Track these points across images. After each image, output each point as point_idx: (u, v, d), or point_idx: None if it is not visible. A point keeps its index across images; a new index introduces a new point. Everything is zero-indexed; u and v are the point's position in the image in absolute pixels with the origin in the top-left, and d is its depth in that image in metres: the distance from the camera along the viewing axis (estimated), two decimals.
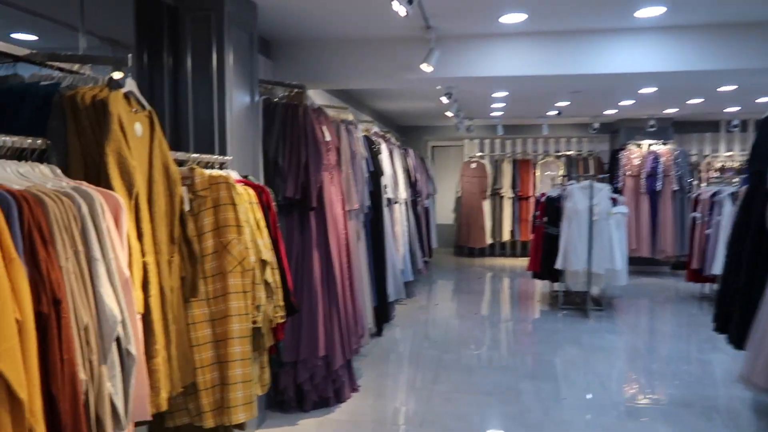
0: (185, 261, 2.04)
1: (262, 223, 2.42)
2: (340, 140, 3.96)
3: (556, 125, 10.18)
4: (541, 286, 7.62)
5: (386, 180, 5.34)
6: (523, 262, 9.94)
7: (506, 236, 10.46)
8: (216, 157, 2.54)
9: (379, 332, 5.09)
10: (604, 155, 10.17)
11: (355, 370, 3.97)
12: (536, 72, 3.89)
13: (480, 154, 10.80)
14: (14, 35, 3.31)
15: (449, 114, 6.69)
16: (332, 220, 3.51)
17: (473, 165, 10.51)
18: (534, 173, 10.40)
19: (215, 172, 2.33)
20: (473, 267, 9.41)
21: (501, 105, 7.84)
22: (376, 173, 4.99)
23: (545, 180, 10.34)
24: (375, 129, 5.99)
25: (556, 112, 8.25)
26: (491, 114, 8.77)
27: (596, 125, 8.81)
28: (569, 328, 5.45)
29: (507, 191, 10.43)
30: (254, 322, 2.16)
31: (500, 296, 7.22)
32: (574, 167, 10.23)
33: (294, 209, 3.44)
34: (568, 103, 7.53)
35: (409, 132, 10.60)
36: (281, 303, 2.47)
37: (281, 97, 3.59)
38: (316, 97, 5.23)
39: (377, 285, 4.91)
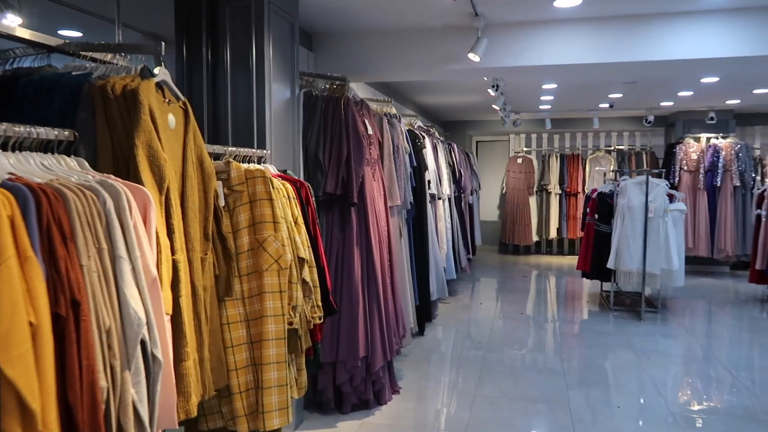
0: (219, 259, 1.96)
1: (300, 220, 2.32)
2: (383, 134, 3.84)
3: (607, 118, 9.78)
4: (589, 285, 7.32)
5: (430, 175, 5.19)
6: (570, 260, 9.61)
7: (553, 233, 10.14)
8: (254, 150, 2.45)
9: (421, 331, 4.95)
10: (658, 150, 9.72)
11: (396, 371, 3.86)
12: (591, 60, 3.66)
13: (526, 149, 10.50)
14: (61, 32, 3.33)
15: (495, 107, 6.48)
16: (374, 217, 3.39)
17: (519, 160, 10.22)
18: (583, 169, 10.03)
19: (252, 166, 2.24)
20: (518, 265, 9.16)
21: (550, 98, 7.56)
22: (419, 168, 4.85)
23: (595, 176, 9.97)
24: (419, 123, 5.85)
25: (609, 104, 7.90)
26: (539, 107, 8.49)
27: (651, 118, 8.40)
28: (621, 331, 5.19)
29: (554, 187, 10.10)
30: (290, 323, 2.07)
31: (546, 296, 6.97)
32: (626, 162, 9.81)
33: (334, 205, 3.34)
34: (621, 95, 7.19)
35: (453, 127, 10.40)
36: (319, 303, 2.36)
37: (322, 89, 3.49)
38: (358, 90, 5.13)
39: (420, 283, 4.77)
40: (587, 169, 10.02)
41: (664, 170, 7.77)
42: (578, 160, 10.07)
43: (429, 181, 5.13)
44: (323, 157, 3.25)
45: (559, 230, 10.14)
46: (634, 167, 9.62)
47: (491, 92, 5.66)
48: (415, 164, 4.59)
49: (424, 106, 8.44)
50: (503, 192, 10.54)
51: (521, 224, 10.17)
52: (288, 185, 2.33)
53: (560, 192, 10.11)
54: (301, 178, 3.18)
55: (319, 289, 2.38)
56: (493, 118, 10.02)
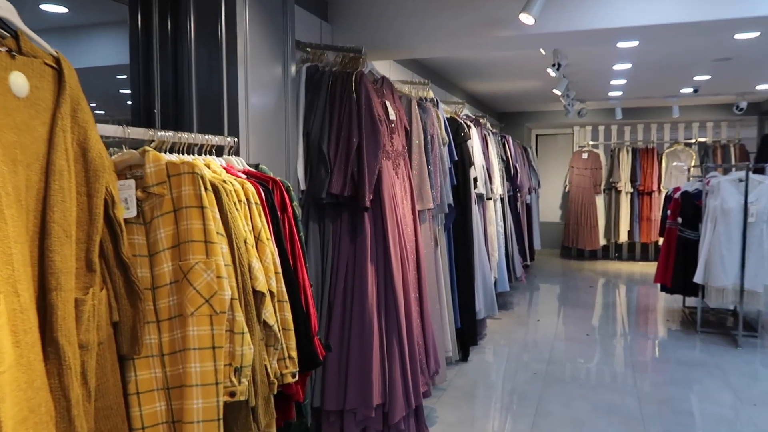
0: (120, 297, 1.29)
1: (266, 234, 1.62)
2: (412, 120, 3.09)
3: (688, 107, 8.61)
4: (667, 298, 6.29)
5: (476, 172, 4.40)
6: (643, 267, 8.52)
7: (623, 237, 9.06)
8: (208, 138, 1.77)
9: (464, 357, 4.18)
10: (749, 143, 8.46)
11: (427, 412, 3.12)
12: (679, 18, 2.78)
13: (593, 142, 9.45)
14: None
15: (557, 92, 5.58)
16: (394, 224, 2.66)
17: (585, 155, 9.19)
18: (659, 164, 8.89)
19: (182, 157, 1.57)
20: (583, 272, 8.16)
21: (621, 82, 6.56)
22: (462, 164, 4.07)
23: (672, 172, 8.82)
24: (465, 111, 5.06)
25: (693, 89, 6.80)
26: (608, 94, 7.47)
27: (743, 105, 7.21)
28: (712, 361, 4.22)
29: (625, 185, 9.01)
30: (231, 394, 1.37)
31: (617, 311, 6.00)
32: (710, 157, 8.61)
33: (344, 209, 2.63)
34: (709, 76, 6.11)
35: (509, 119, 9.48)
36: (292, 353, 1.66)
37: (332, 64, 2.79)
38: (393, 73, 4.39)
39: (463, 301, 4.00)
40: (663, 165, 8.88)
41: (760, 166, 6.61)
42: (653, 154, 8.93)
43: (475, 179, 4.34)
44: (328, 148, 2.54)
45: (630, 233, 9.05)
46: (721, 162, 8.40)
47: (551, 72, 4.79)
48: (456, 158, 3.81)
49: (476, 95, 7.60)
50: (566, 190, 9.53)
51: (586, 226, 9.15)
52: (249, 186, 1.64)
53: (632, 191, 9.01)
54: (300, 175, 2.49)
55: (292, 333, 1.67)
56: (555, 108, 9.04)
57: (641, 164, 8.99)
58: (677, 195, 5.29)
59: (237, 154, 2.04)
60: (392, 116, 2.79)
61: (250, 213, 1.62)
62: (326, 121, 2.58)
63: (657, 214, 8.81)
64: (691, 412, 3.36)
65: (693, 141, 8.84)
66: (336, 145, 2.55)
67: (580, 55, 5.00)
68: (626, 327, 5.29)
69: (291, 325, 1.67)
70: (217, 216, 1.41)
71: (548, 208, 9.91)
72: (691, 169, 7.52)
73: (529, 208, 7.70)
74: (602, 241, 9.18)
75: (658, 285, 5.85)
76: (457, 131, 4.09)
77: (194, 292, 1.34)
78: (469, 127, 4.44)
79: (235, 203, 1.56)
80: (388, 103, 2.80)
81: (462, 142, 4.09)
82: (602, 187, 9.16)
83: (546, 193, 9.79)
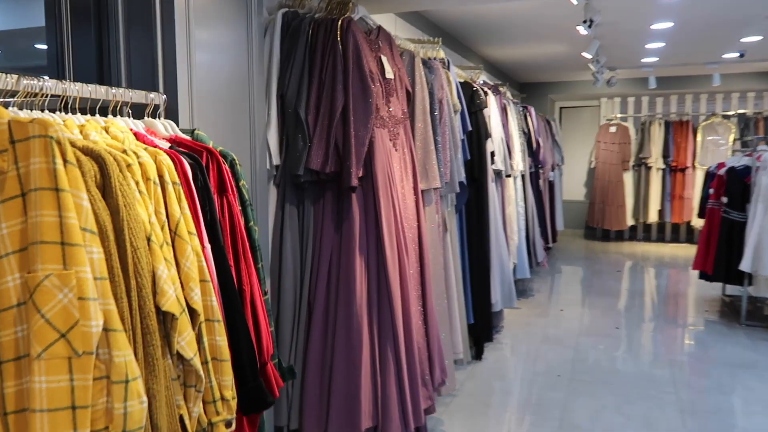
0: None
1: (187, 226, 1.14)
2: (416, 81, 2.56)
3: (730, 75, 7.87)
4: (704, 286, 5.71)
5: (494, 145, 3.86)
6: (674, 249, 7.93)
7: (653, 217, 8.44)
8: (118, 91, 1.28)
9: (477, 355, 3.70)
10: None
11: (432, 426, 2.66)
12: None
13: (622, 115, 8.78)
14: None
15: (587, 55, 4.98)
16: (390, 206, 2.16)
17: (613, 129, 8.54)
18: (694, 138, 8.21)
19: (42, 117, 1.08)
20: (609, 255, 7.59)
21: (659, 46, 5.89)
22: (477, 135, 3.54)
23: (709, 147, 8.14)
24: (482, 78, 4.49)
25: (739, 53, 6.11)
26: (642, 60, 6.79)
27: None
28: (764, 360, 3.69)
29: (656, 161, 8.36)
30: None
31: (648, 299, 5.46)
32: (751, 130, 7.90)
33: (327, 189, 2.14)
34: (760, 37, 5.43)
35: (531, 90, 8.83)
36: (228, 392, 1.18)
37: (315, 9, 2.27)
38: (401, 31, 3.84)
39: (477, 293, 3.51)
40: (699, 139, 8.20)
41: None
42: (687, 128, 8.25)
43: (492, 153, 3.81)
44: (306, 112, 2.04)
45: (661, 213, 8.42)
46: (763, 134, 7.70)
47: (582, 30, 4.19)
48: (470, 129, 3.28)
49: (494, 62, 6.98)
50: (591, 167, 8.91)
51: (613, 205, 8.54)
52: (165, 158, 1.15)
53: (663, 167, 8.36)
54: (273, 146, 2.00)
55: (228, 364, 1.19)
56: (581, 78, 8.37)
57: (674, 138, 8.32)
58: (722, 171, 4.69)
59: (176, 118, 1.55)
60: (389, 74, 2.27)
61: (165, 197, 1.13)
62: (304, 79, 2.07)
63: (691, 192, 8.17)
64: (743, 426, 2.85)
65: (732, 113, 8.13)
66: (316, 110, 2.05)
67: (615, 10, 4.38)
68: (659, 318, 4.75)
69: (226, 354, 1.19)
70: (85, 203, 0.92)
71: (572, 185, 9.30)
72: (732, 143, 6.86)
73: (551, 185, 7.13)
74: (630, 222, 8.58)
75: (691, 268, 5.27)
76: (472, 98, 3.55)
77: (42, 322, 0.86)
78: (486, 94, 3.89)
79: (138, 183, 1.08)
80: (384, 59, 2.28)
81: (477, 111, 3.55)
82: (631, 164, 8.52)
83: (570, 170, 9.17)
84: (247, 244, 1.35)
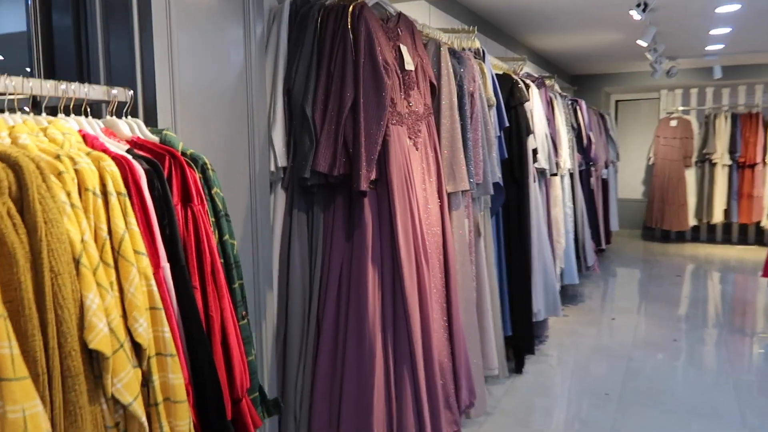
0: None
1: (131, 246, 0.96)
2: (441, 73, 2.33)
3: None
4: None
5: (536, 142, 3.57)
6: (741, 252, 7.33)
7: (718, 217, 7.84)
8: (71, 87, 1.12)
9: (518, 368, 3.43)
10: None
11: None
12: None
13: (683, 108, 8.19)
14: None
15: (642, 43, 4.58)
16: (407, 212, 1.94)
17: (673, 123, 7.98)
18: (765, 132, 7.57)
19: None
20: (668, 258, 7.09)
21: (725, 31, 5.39)
22: (518, 131, 3.27)
23: None
24: (525, 69, 4.19)
25: None
26: (705, 48, 6.27)
27: None
28: None
29: (722, 157, 7.75)
30: None
31: (711, 308, 5.01)
32: None
33: (337, 194, 1.94)
34: None
35: (583, 82, 8.37)
36: None
37: None
38: (433, 22, 3.61)
39: (517, 301, 3.24)
40: None
41: None
42: (757, 120, 7.61)
43: (535, 151, 3.52)
44: (312, 109, 1.85)
45: (726, 213, 7.81)
46: None
47: (635, 14, 3.83)
48: (507, 124, 3.01)
49: (542, 53, 6.61)
50: (650, 163, 8.37)
51: (673, 204, 7.98)
52: (110, 164, 0.98)
53: (730, 163, 7.74)
54: (278, 147, 1.83)
55: (185, 406, 1.01)
56: (639, 69, 7.86)
57: (742, 132, 7.69)
58: None
59: (154, 118, 1.39)
60: (409, 65, 2.05)
61: (107, 210, 0.96)
62: (312, 72, 1.88)
63: (761, 190, 7.54)
64: None
65: None
66: (324, 106, 1.86)
67: None
68: (724, 330, 4.32)
69: (182, 393, 1.01)
70: None
71: (628, 183, 8.78)
72: None
73: (605, 183, 6.70)
74: (692, 222, 8.00)
75: (760, 275, 4.77)
76: (511, 91, 3.28)
77: None
78: (528, 87, 3.60)
79: (70, 194, 0.91)
80: (404, 48, 2.06)
81: (517, 105, 3.28)
82: (693, 160, 7.94)
83: (626, 167, 8.65)
84: (219, 262, 1.16)
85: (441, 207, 2.21)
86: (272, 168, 1.89)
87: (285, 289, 1.96)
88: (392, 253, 1.91)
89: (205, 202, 1.17)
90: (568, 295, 5.12)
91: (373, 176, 1.86)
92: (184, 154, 1.19)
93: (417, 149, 2.09)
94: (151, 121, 1.37)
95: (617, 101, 9.16)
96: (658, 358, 3.70)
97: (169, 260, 1.07)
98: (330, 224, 1.92)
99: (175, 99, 1.43)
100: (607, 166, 6.70)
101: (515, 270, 3.26)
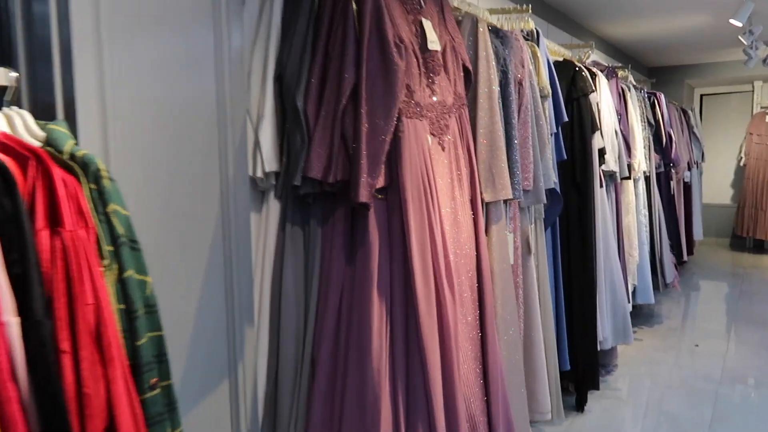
0: None
1: None
2: (479, 55, 1.91)
3: None
4: None
5: (603, 140, 3.05)
6: None
7: None
8: None
9: (579, 406, 2.92)
10: None
11: None
12: None
13: None
14: None
15: (736, 23, 3.91)
16: (425, 228, 1.53)
17: None
18: None
19: None
20: (762, 271, 6.24)
21: None
22: (581, 128, 2.78)
23: None
24: (591, 57, 3.67)
25: None
26: None
27: None
28: None
29: None
30: None
31: None
32: None
33: (338, 205, 1.56)
34: None
35: (663, 75, 7.57)
36: None
37: None
38: (485, 2, 3.16)
39: (578, 328, 2.75)
40: None
41: None
42: None
43: (602, 151, 3.01)
44: (305, 100, 1.48)
45: None
46: None
47: None
48: (566, 119, 2.53)
49: (617, 42, 5.96)
50: (741, 164, 7.47)
51: None
52: None
53: None
54: (266, 149, 1.49)
55: None
56: (729, 58, 7.00)
57: None
58: None
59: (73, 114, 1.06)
60: (434, 45, 1.64)
61: None
62: (306, 56, 1.52)
63: None
64: None
65: None
66: (318, 94, 1.49)
67: None
68: None
69: None
70: None
71: (715, 187, 7.88)
72: None
73: (687, 187, 5.98)
74: None
75: None
76: (573, 80, 2.80)
77: None
78: (594, 76, 3.08)
79: None
80: (427, 24, 1.65)
81: (580, 97, 2.79)
82: None
83: (713, 169, 7.76)
84: (110, 310, 0.81)
85: (475, 220, 1.79)
86: (259, 174, 1.54)
87: (276, 322, 1.60)
88: (405, 280, 1.51)
89: (92, 224, 0.82)
90: (643, 314, 4.51)
91: (379, 183, 1.47)
92: (72, 156, 0.85)
93: (443, 149, 1.68)
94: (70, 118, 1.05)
95: (702, 95, 8.27)
96: (752, 397, 3.08)
97: (19, 313, 0.73)
98: (329, 243, 1.55)
99: (105, 85, 1.09)
100: (690, 168, 5.97)
101: (576, 291, 2.77)
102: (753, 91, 7.55)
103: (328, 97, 1.46)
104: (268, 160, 1.54)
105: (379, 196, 1.51)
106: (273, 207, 1.64)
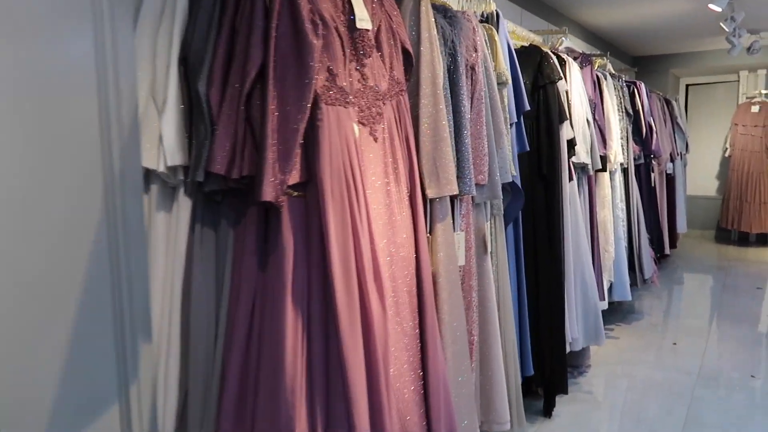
0: None
1: None
2: (421, 37, 1.73)
3: None
4: None
5: (574, 130, 2.89)
6: None
7: None
8: None
9: (546, 411, 2.77)
10: None
11: None
12: None
13: (767, 91, 7.12)
14: None
15: (714, 8, 3.76)
16: (348, 230, 1.36)
17: (755, 108, 6.95)
18: None
19: None
20: (747, 265, 6.12)
21: None
22: (547, 117, 2.61)
23: None
24: (565, 43, 3.49)
25: None
26: None
27: None
28: None
29: None
30: None
31: None
32: None
33: (250, 201, 1.39)
34: None
35: (646, 64, 7.42)
36: None
37: None
38: None
39: (544, 330, 2.60)
40: None
41: None
42: None
43: (571, 142, 2.84)
44: (208, 84, 1.31)
45: None
46: None
47: None
48: (528, 108, 2.36)
49: (597, 30, 5.79)
50: (726, 155, 7.35)
51: (754, 202, 6.97)
52: None
53: None
54: (168, 139, 1.33)
55: None
56: (713, 47, 6.86)
57: None
58: None
59: None
60: (363, 23, 1.46)
61: None
62: (212, 34, 1.34)
63: None
64: None
65: None
66: (223, 77, 1.31)
67: None
68: None
69: None
70: None
71: (699, 178, 7.76)
72: None
73: (670, 179, 5.84)
74: None
75: None
76: (539, 66, 2.62)
77: None
78: (563, 63, 2.91)
79: None
80: (356, 0, 1.47)
81: (547, 84, 2.61)
82: None
83: (697, 160, 7.64)
84: None
85: (415, 218, 1.61)
86: (161, 168, 1.36)
87: (187, 333, 1.43)
88: (324, 288, 1.34)
89: None
90: (621, 311, 4.38)
91: (294, 179, 1.30)
92: None
93: (376, 139, 1.50)
94: None
95: (688, 85, 8.13)
96: (734, 401, 2.94)
97: None
98: (240, 246, 1.37)
99: None
100: (673, 160, 5.83)
101: (543, 291, 2.61)
102: (738, 81, 7.42)
103: (233, 80, 1.28)
104: (171, 152, 1.36)
105: (295, 194, 1.34)
106: (184, 205, 1.46)
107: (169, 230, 1.47)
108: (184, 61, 1.38)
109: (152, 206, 1.48)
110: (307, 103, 1.27)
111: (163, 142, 1.36)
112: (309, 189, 1.36)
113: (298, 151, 1.29)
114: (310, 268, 1.35)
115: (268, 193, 1.22)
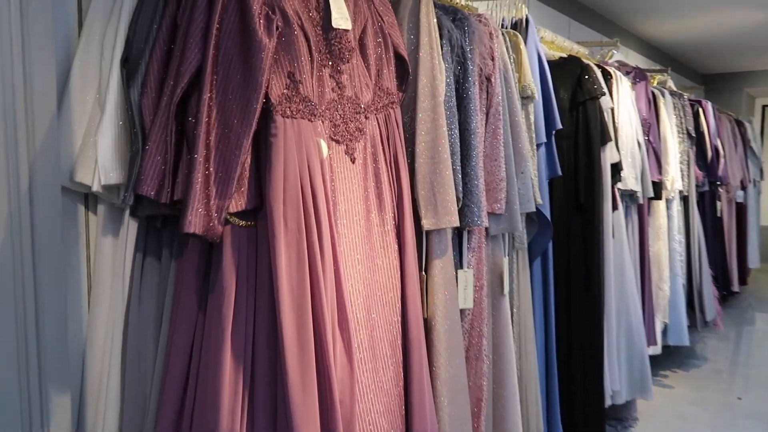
0: None
1: None
2: (420, 40, 1.47)
3: None
4: None
5: (621, 153, 2.54)
6: None
7: None
8: None
9: None
10: None
11: None
12: None
13: None
14: None
15: None
16: (304, 269, 1.11)
17: None
18: None
19: None
20: None
21: None
22: (587, 137, 2.29)
23: None
24: (617, 56, 3.15)
25: None
26: None
27: None
28: None
29: None
30: None
31: None
32: None
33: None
34: None
35: (716, 81, 6.83)
36: None
37: None
38: None
39: (576, 381, 2.25)
40: None
41: None
42: None
43: (617, 165, 2.50)
44: (141, 90, 1.10)
45: None
46: None
47: None
48: (559, 126, 2.05)
49: (661, 44, 5.33)
50: None
51: None
52: None
53: None
54: (103, 153, 1.15)
55: None
56: None
57: None
58: None
59: None
60: (340, 23, 1.23)
61: None
62: (153, 30, 1.14)
63: None
64: None
65: None
66: (159, 81, 1.10)
67: None
68: None
69: None
70: None
71: None
72: None
73: (741, 209, 5.28)
74: None
75: None
76: (579, 80, 2.31)
77: None
78: (608, 77, 2.58)
79: None
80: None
81: (587, 100, 2.29)
82: None
83: None
84: None
85: (403, 255, 1.35)
86: (95, 187, 1.17)
87: (123, 377, 1.22)
88: (272, 339, 1.09)
89: None
90: (680, 354, 3.90)
91: (238, 205, 1.07)
92: None
93: (353, 160, 1.26)
94: None
95: (764, 106, 7.45)
96: None
97: None
98: (180, 281, 1.15)
99: None
100: (744, 187, 5.28)
101: (577, 336, 2.27)
102: None
103: (168, 88, 1.07)
104: (105, 169, 1.16)
105: (242, 223, 1.11)
106: (132, 230, 1.26)
107: (116, 256, 1.28)
108: (125, 62, 1.19)
109: (99, 229, 1.29)
110: (254, 114, 1.04)
111: (98, 158, 1.16)
112: (260, 218, 1.12)
113: (244, 173, 1.07)
114: (256, 313, 1.11)
115: (194, 224, 0.99)
